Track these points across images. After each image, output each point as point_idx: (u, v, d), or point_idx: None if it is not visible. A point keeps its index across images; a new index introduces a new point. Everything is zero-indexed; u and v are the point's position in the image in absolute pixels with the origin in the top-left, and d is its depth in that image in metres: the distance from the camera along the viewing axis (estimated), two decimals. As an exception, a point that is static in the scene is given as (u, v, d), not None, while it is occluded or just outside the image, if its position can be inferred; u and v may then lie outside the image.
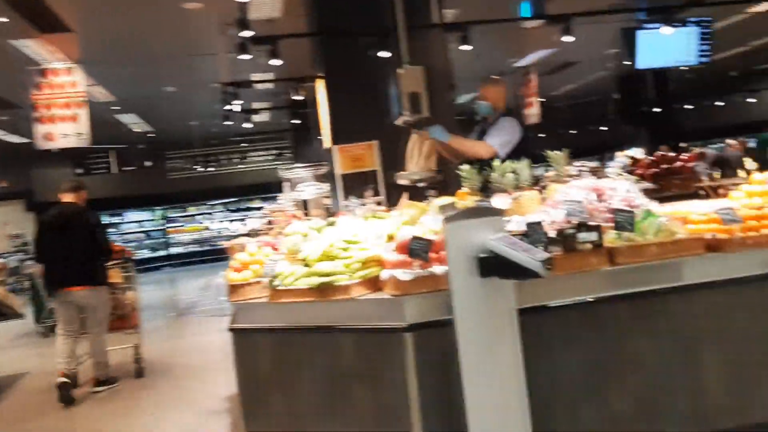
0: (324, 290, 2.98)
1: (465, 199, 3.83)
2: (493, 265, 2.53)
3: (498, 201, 3.50)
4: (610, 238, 3.08)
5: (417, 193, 4.63)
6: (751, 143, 14.63)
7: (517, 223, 3.13)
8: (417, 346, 2.74)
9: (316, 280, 2.98)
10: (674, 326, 3.01)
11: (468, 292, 2.55)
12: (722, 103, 19.94)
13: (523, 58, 13.30)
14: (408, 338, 2.73)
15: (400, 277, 2.77)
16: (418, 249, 2.80)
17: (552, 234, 2.98)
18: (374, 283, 3.03)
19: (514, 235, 2.70)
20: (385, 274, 2.91)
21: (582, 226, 3.01)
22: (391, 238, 3.24)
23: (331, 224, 3.71)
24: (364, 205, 5.04)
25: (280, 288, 3.12)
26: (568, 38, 7.64)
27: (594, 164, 10.46)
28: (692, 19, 9.06)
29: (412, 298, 2.77)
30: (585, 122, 19.43)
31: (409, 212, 3.67)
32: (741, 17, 11.46)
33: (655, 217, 3.16)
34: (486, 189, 3.85)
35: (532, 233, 2.90)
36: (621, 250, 3.01)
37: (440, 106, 6.01)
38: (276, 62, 6.80)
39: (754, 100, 19.83)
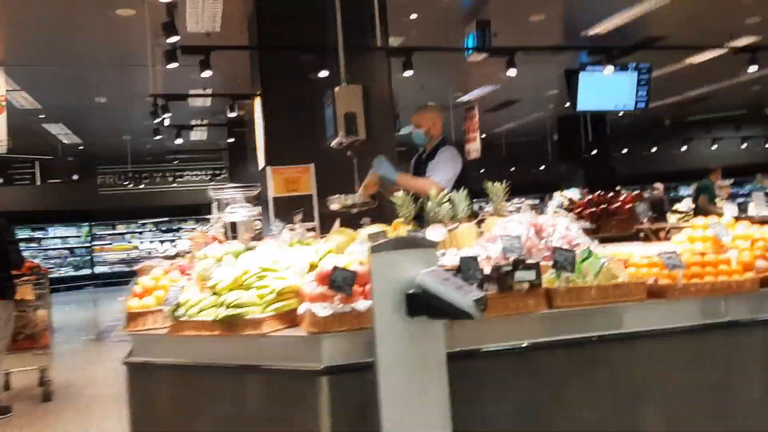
0: (232, 324, 2.63)
1: (399, 228, 3.58)
2: (422, 303, 2.26)
3: (432, 232, 3.25)
4: (549, 278, 2.86)
5: (352, 221, 4.36)
6: (685, 190, 15.11)
7: (451, 257, 2.88)
8: (333, 391, 2.42)
9: (224, 312, 2.63)
10: (613, 376, 2.81)
11: (393, 332, 2.27)
12: (656, 150, 20.57)
13: (467, 93, 13.39)
14: (323, 382, 2.42)
15: (318, 312, 2.46)
16: (340, 281, 2.50)
17: (487, 271, 2.74)
18: (291, 318, 2.70)
19: (447, 270, 2.45)
20: (302, 308, 2.59)
21: (519, 264, 2.78)
22: (313, 267, 2.94)
23: (251, 249, 3.37)
24: (292, 230, 4.72)
25: (183, 319, 2.75)
26: (511, 72, 7.60)
27: (532, 202, 10.46)
28: (632, 65, 9.30)
29: (330, 336, 2.46)
30: (524, 161, 19.67)
31: (337, 240, 3.38)
32: (676, 67, 11.84)
33: (596, 258, 2.97)
34: (421, 219, 3.62)
35: (467, 269, 2.65)
36: (560, 292, 2.79)
37: (380, 131, 5.80)
38: (207, 74, 6.44)
39: (685, 148, 20.55)
